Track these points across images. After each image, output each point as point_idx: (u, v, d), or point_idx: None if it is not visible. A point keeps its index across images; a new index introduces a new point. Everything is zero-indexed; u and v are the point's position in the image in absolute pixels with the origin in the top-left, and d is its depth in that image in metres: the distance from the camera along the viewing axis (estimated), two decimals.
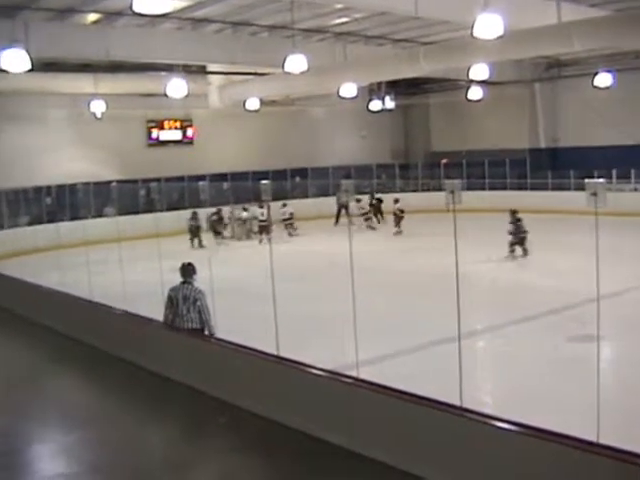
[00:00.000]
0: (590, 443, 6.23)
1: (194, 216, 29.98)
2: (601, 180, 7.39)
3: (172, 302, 11.10)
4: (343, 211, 33.75)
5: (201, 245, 29.16)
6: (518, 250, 22.33)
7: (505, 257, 22.13)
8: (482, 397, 10.83)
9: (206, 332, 11.03)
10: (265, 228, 29.65)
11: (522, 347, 13.43)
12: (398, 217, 31.07)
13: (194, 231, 29.82)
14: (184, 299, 10.95)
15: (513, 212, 22.83)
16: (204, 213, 29.79)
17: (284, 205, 31.82)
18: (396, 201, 31.46)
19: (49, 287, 16.42)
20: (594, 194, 6.98)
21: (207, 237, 28.87)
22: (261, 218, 30.30)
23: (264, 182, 12.14)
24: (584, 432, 6.40)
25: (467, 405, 7.36)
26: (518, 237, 22.35)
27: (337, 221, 34.17)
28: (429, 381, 9.93)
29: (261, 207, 30.19)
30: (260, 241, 29.56)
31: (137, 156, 34.95)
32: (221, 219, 30.97)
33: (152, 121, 36.64)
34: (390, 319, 15.44)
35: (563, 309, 15.72)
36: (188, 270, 11.20)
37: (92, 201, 32.31)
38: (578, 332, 13.42)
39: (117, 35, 22.36)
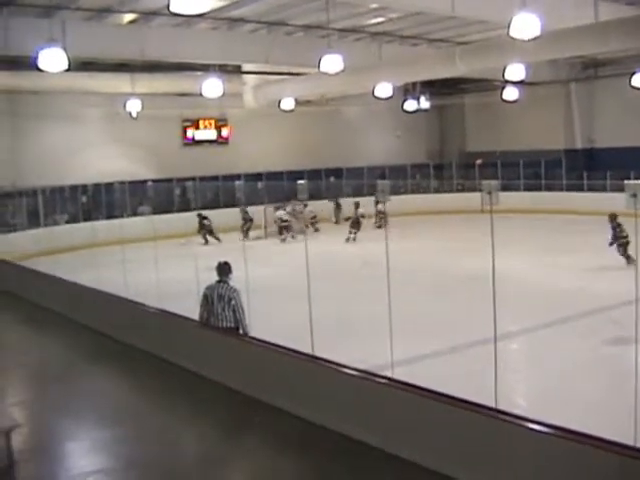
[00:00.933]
0: (625, 446, 6.17)
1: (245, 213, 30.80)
2: None
3: (207, 300, 11.13)
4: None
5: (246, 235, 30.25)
6: (620, 258, 20.22)
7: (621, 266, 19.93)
8: (516, 399, 10.77)
9: (240, 331, 11.05)
10: (287, 228, 30.33)
11: (556, 349, 13.35)
12: (356, 223, 30.32)
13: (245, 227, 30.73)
14: (219, 298, 10.98)
15: (613, 217, 20.49)
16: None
17: (305, 206, 31.88)
18: (357, 205, 30.98)
19: (85, 285, 16.52)
20: (634, 195, 6.92)
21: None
22: (284, 218, 30.76)
23: (301, 182, 12.21)
24: (620, 435, 6.34)
25: (501, 407, 7.32)
26: (620, 243, 20.35)
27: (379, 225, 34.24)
28: (463, 382, 9.89)
29: (284, 208, 30.68)
30: (283, 240, 30.18)
31: (172, 155, 35.15)
32: (251, 219, 31.34)
33: (187, 120, 36.76)
34: (425, 320, 15.41)
35: (599, 311, 15.63)
36: (224, 269, 11.24)
37: (128, 200, 32.57)
38: (613, 334, 13.35)
39: (153, 35, 22.48)
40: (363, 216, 30.31)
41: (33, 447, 9.18)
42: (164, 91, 31.98)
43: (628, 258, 19.79)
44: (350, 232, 29.43)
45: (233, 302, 10.95)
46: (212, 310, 11.06)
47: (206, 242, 29.75)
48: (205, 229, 30.28)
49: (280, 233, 30.39)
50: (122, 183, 32.73)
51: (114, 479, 8.38)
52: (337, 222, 34.68)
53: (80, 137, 32.70)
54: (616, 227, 20.34)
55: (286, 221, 30.15)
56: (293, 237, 29.74)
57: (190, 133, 36.99)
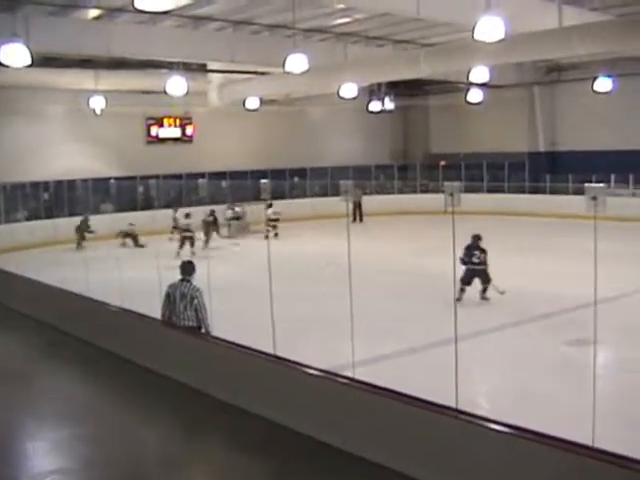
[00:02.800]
0: (584, 446, 6.23)
1: (212, 213, 29.30)
2: (601, 185, 7.41)
3: (169, 299, 11.09)
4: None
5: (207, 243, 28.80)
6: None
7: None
8: (477, 399, 10.83)
9: (202, 330, 11.02)
10: (190, 239, 27.24)
11: (518, 350, 13.44)
12: (270, 223, 29.98)
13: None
14: (181, 297, 10.94)
15: (476, 238, 17.50)
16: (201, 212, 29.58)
17: (270, 206, 31.10)
18: (269, 206, 30.49)
19: (45, 282, 16.39)
20: (594, 198, 6.99)
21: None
22: (189, 227, 27.15)
23: (264, 181, 12.17)
24: (578, 435, 6.39)
25: (462, 407, 7.35)
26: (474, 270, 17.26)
27: (355, 218, 34.62)
28: (425, 382, 9.93)
29: (232, 208, 30.16)
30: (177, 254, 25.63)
31: (136, 153, 34.92)
32: (215, 220, 29.69)
33: (151, 118, 36.59)
34: (387, 320, 15.47)
35: (560, 313, 15.77)
36: (188, 268, 11.21)
37: (90, 197, 32.37)
38: (574, 336, 13.47)
39: (118, 31, 22.37)
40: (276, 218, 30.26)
41: None
42: (128, 88, 31.79)
43: (485, 291, 17.42)
44: (268, 230, 29.38)
45: (196, 301, 10.90)
46: (174, 309, 11.02)
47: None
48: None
49: (180, 244, 26.15)
50: (85, 180, 32.52)
51: (73, 479, 8.32)
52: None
53: (42, 133, 32.43)
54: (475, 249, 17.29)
55: (189, 231, 26.48)
56: (194, 253, 24.70)
57: (154, 131, 36.78)
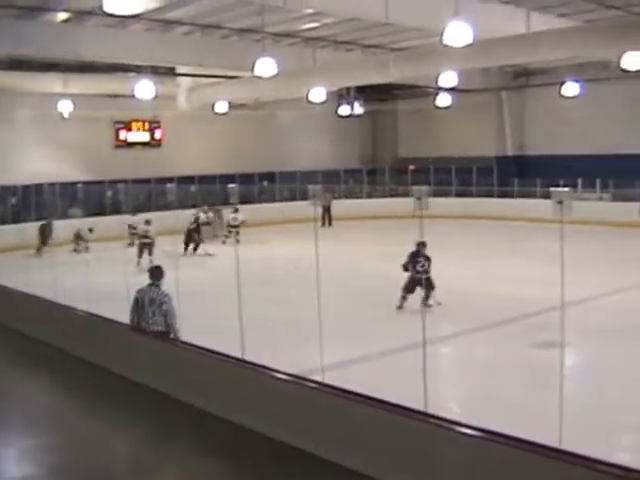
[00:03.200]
0: (551, 449, 6.27)
1: (195, 220, 28.27)
2: (567, 189, 7.48)
3: (138, 304, 11.02)
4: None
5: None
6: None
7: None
8: (447, 403, 10.87)
9: (171, 336, 10.98)
10: (149, 246, 26.02)
11: (486, 354, 13.51)
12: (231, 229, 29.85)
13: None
14: (150, 302, 10.87)
15: (420, 245, 16.63)
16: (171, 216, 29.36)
17: (236, 210, 30.30)
18: (235, 211, 30.13)
19: (12, 288, 16.25)
20: (560, 202, 7.05)
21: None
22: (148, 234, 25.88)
23: (231, 185, 12.15)
24: (547, 437, 6.44)
25: (431, 411, 7.38)
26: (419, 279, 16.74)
27: (323, 223, 34.68)
28: (394, 386, 9.95)
29: (206, 212, 29.90)
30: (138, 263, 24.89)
31: (104, 157, 34.72)
32: (198, 227, 28.39)
33: (120, 122, 36.42)
34: (356, 324, 15.51)
35: (527, 316, 15.87)
36: (156, 273, 11.12)
37: (58, 202, 32.15)
38: (542, 339, 13.56)
39: (87, 35, 22.27)
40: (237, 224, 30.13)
41: None
42: (96, 92, 31.59)
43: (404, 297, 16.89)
44: (226, 236, 29.44)
45: (164, 307, 10.84)
46: (143, 314, 10.96)
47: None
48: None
49: (139, 252, 24.99)
50: (52, 185, 32.28)
51: None
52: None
53: (9, 137, 32.16)
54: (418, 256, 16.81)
55: (148, 237, 25.27)
56: (152, 262, 22.46)
57: (122, 135, 36.62)
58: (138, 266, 22.73)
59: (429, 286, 16.69)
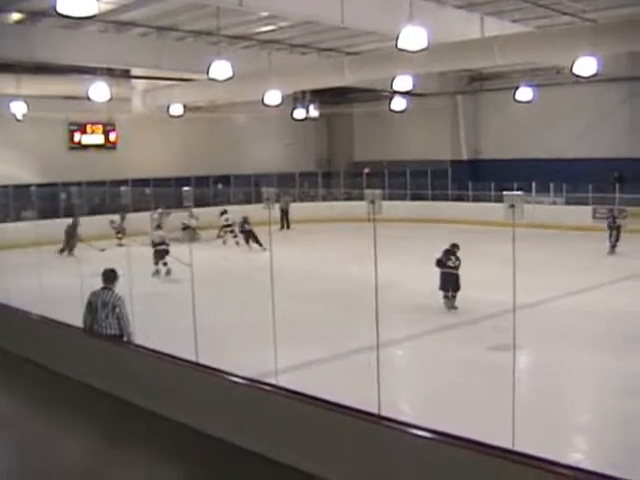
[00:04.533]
0: (504, 450, 6.32)
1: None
2: (519, 193, 7.52)
3: (92, 307, 10.94)
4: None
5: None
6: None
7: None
8: (400, 405, 10.91)
9: (125, 339, 10.91)
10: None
11: (441, 356, 13.60)
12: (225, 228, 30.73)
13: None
14: (103, 305, 10.79)
15: (453, 245, 18.25)
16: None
17: (224, 212, 31.13)
18: (224, 212, 31.02)
19: None
20: (512, 206, 7.10)
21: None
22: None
23: (186, 188, 12.09)
24: (500, 439, 6.48)
25: (385, 413, 7.40)
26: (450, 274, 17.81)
27: (282, 226, 34.63)
28: (347, 389, 9.96)
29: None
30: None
31: (58, 159, 34.47)
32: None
33: (74, 124, 36.21)
34: (309, 327, 15.52)
35: (481, 319, 16.00)
36: (110, 276, 11.03)
37: (11, 204, 31.81)
38: (495, 341, 13.66)
39: (40, 35, 22.11)
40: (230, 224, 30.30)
41: None
42: (51, 93, 31.34)
43: (452, 296, 17.78)
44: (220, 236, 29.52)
45: (117, 310, 10.78)
46: (96, 317, 10.88)
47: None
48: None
49: (155, 260, 23.20)
50: (5, 187, 31.93)
51: None
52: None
53: None
54: (451, 254, 18.00)
55: (164, 244, 23.62)
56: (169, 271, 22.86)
57: (77, 137, 36.42)
58: (157, 276, 22.73)
59: (456, 286, 17.66)
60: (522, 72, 30.76)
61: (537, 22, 23.04)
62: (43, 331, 12.94)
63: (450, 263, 17.78)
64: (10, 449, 9.20)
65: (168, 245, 23.17)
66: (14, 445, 9.32)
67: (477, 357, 13.37)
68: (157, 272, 22.75)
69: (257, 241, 27.05)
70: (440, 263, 17.88)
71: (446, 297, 17.69)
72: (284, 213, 34.72)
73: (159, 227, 25.12)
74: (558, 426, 10.05)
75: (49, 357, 12.24)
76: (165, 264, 22.71)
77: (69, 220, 28.82)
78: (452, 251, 18.00)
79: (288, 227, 34.85)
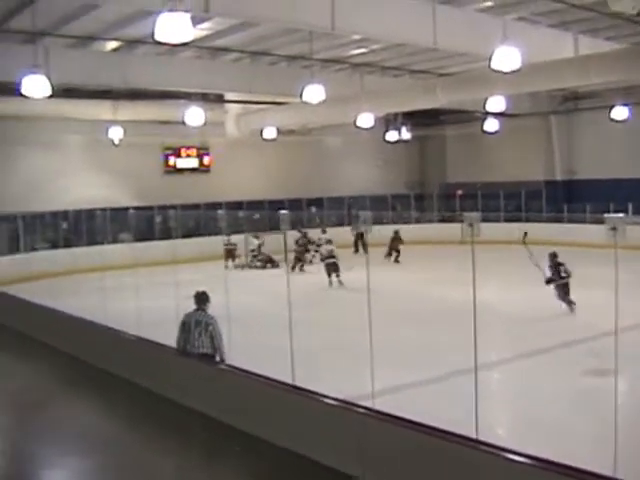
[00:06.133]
0: (606, 477, 6.19)
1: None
2: (620, 215, 7.41)
3: (185, 327, 11.16)
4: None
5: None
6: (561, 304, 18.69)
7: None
8: (497, 430, 10.77)
9: (217, 357, 11.05)
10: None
11: (538, 380, 13.35)
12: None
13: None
14: (196, 324, 11.02)
15: (552, 255, 18.97)
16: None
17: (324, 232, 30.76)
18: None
19: (64, 312, 16.45)
20: (613, 229, 7.00)
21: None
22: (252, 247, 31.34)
23: (283, 212, 12.17)
24: (600, 466, 6.36)
25: (482, 437, 7.32)
26: (559, 284, 18.58)
27: (357, 249, 34.25)
28: (445, 412, 9.88)
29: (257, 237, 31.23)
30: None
31: (154, 183, 35.08)
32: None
33: (169, 148, 36.80)
34: (407, 349, 15.43)
35: (580, 342, 15.68)
36: (202, 298, 11.27)
37: (109, 227, 32.44)
38: (595, 366, 13.38)
39: (136, 62, 22.53)
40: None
41: (12, 475, 9.11)
42: (146, 119, 31.96)
43: (569, 303, 18.58)
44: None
45: (210, 328, 10.96)
46: (189, 337, 11.07)
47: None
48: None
49: (327, 273, 25.71)
50: (103, 210, 32.57)
51: None
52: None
53: (62, 163, 32.71)
54: (556, 266, 18.63)
55: (333, 257, 26.00)
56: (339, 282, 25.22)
57: (172, 161, 36.99)
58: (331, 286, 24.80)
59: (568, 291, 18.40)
60: (617, 90, 30.23)
61: (631, 39, 22.65)
62: (139, 351, 13.17)
63: (563, 273, 18.31)
64: (109, 467, 9.36)
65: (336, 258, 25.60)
66: (113, 463, 9.48)
67: (574, 382, 13.12)
68: (330, 284, 25.16)
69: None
70: (551, 280, 18.31)
71: (570, 303, 18.34)
72: (359, 237, 33.88)
73: (329, 242, 27.26)
74: None
75: (145, 377, 12.45)
76: (338, 276, 25.07)
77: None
78: (556, 262, 18.49)
79: (365, 251, 33.74)
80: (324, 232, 30.28)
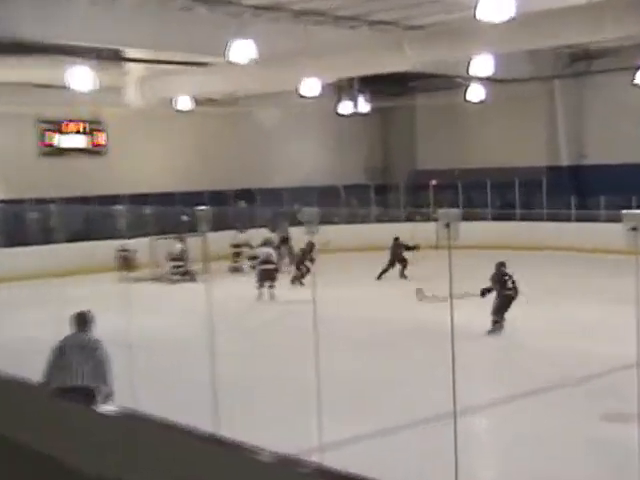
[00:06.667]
0: None
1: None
2: None
3: (60, 352, 10.81)
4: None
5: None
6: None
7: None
8: None
9: (101, 392, 10.74)
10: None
11: (536, 427, 13.44)
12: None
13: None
14: (80, 348, 10.68)
15: (500, 265, 19.75)
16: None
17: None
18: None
19: None
20: (634, 229, 7.03)
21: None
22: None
23: (201, 208, 12.15)
24: None
25: None
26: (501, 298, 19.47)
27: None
28: (415, 471, 9.95)
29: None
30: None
31: (26, 168, 34.43)
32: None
33: (48, 122, 36.34)
34: (362, 387, 15.43)
35: (593, 377, 15.79)
36: (84, 320, 11.00)
37: None
38: (613, 407, 13.51)
39: (8, 6, 22.31)
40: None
41: None
42: (16, 80, 31.41)
43: (497, 322, 19.32)
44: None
45: (98, 353, 10.69)
46: (66, 364, 10.71)
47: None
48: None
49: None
50: None
51: None
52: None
53: None
54: (501, 276, 19.43)
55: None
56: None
57: (51, 138, 36.52)
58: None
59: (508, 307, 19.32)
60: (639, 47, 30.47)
61: None
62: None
63: (509, 284, 19.16)
64: None
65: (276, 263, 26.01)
66: None
67: (584, 429, 13.23)
68: (260, 296, 25.16)
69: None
70: (487, 291, 19.32)
71: (497, 322, 19.17)
72: (282, 241, 33.39)
73: (268, 243, 27.90)
74: None
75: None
76: (272, 287, 25.17)
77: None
78: (503, 271, 19.41)
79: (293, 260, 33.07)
80: (242, 232, 31.36)
